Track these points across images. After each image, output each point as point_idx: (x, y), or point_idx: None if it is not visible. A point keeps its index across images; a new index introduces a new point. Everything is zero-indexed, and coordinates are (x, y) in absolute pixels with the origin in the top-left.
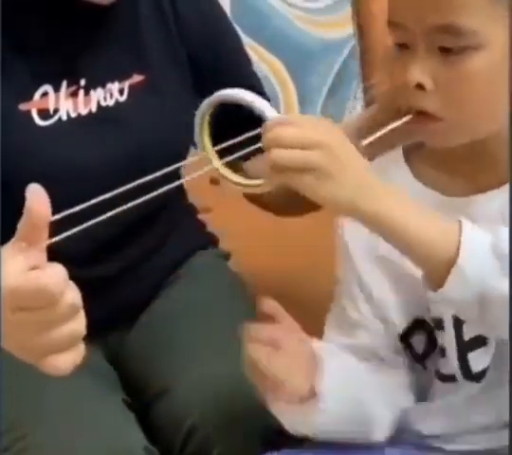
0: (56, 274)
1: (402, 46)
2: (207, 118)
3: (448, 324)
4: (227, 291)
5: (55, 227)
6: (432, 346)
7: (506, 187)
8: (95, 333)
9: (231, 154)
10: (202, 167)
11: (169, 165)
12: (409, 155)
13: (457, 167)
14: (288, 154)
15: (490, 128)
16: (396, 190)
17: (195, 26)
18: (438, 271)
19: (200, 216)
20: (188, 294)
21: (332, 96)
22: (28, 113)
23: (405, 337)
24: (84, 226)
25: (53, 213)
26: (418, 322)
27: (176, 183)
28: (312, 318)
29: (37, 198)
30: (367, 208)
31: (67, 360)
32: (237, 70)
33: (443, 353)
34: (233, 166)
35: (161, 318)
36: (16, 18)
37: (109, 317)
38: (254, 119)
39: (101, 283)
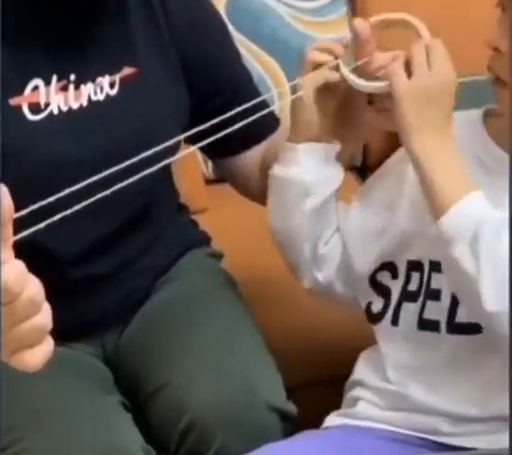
0: (14, 270)
1: (502, 8)
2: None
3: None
4: (219, 290)
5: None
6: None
7: None
8: (90, 333)
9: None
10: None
11: (161, 157)
12: (488, 116)
13: None
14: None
15: None
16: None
17: (184, 22)
18: (436, 212)
19: (193, 215)
20: (180, 292)
21: None
22: (19, 107)
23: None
24: (60, 215)
25: (47, 208)
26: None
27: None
28: (304, 317)
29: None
30: (412, 138)
31: (36, 355)
32: (226, 66)
33: (436, 295)
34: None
35: (155, 317)
36: (5, 13)
37: (104, 316)
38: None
39: (95, 283)
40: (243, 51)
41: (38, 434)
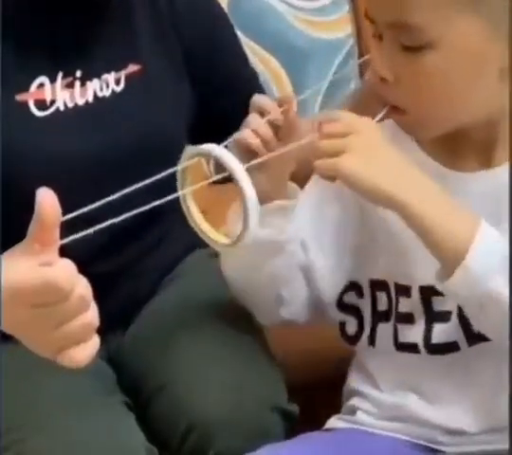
0: (64, 269)
1: (378, 38)
2: (189, 176)
3: (416, 293)
4: (221, 290)
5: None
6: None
7: (495, 170)
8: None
9: None
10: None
11: (167, 153)
12: None
13: (456, 144)
14: (329, 141)
15: (462, 121)
16: (422, 176)
17: (192, 26)
18: (448, 263)
19: None
20: (183, 293)
21: (329, 96)
22: (25, 104)
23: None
24: (97, 227)
25: (69, 211)
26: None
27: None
28: None
29: (47, 201)
30: (388, 192)
31: (83, 352)
32: (230, 64)
33: (408, 319)
34: None
35: (158, 317)
36: (9, 11)
37: (107, 316)
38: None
39: (98, 283)
40: (244, 49)
41: (40, 435)
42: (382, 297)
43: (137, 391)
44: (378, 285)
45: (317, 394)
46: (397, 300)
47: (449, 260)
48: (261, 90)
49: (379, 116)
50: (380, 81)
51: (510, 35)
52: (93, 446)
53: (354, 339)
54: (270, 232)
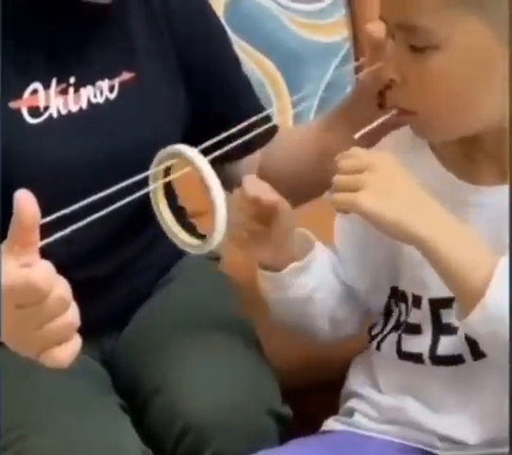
0: (42, 270)
1: (392, 38)
2: (160, 179)
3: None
4: (216, 292)
5: (48, 227)
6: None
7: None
8: (88, 334)
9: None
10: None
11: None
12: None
13: (472, 155)
14: (345, 177)
15: (473, 126)
16: (442, 210)
17: (186, 26)
18: (466, 300)
19: (192, 218)
20: (179, 295)
21: (326, 99)
22: (19, 111)
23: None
24: (77, 226)
25: (46, 211)
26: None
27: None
28: None
29: (25, 202)
30: (409, 228)
31: (65, 352)
32: (225, 70)
33: (415, 330)
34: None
35: (153, 319)
36: (5, 16)
37: (102, 318)
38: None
39: (93, 285)
40: (241, 54)
41: (39, 434)
42: (402, 307)
43: (133, 394)
44: (401, 296)
45: (313, 398)
46: (411, 310)
47: (469, 298)
48: (253, 92)
49: (380, 120)
50: (390, 82)
51: (510, 41)
52: (92, 447)
53: (371, 339)
54: (294, 291)
